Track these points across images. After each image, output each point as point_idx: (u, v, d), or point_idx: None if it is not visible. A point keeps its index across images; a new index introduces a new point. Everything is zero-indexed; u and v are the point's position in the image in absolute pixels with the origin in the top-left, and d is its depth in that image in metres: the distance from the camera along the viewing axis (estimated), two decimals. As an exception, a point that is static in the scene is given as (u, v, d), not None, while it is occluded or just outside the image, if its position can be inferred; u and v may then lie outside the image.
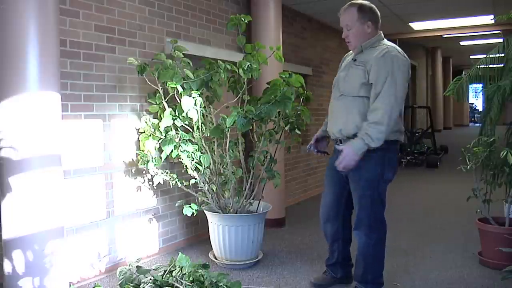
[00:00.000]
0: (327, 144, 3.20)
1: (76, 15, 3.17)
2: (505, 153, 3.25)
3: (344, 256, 3.10)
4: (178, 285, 2.61)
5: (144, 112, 3.68)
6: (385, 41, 2.84)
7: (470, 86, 4.34)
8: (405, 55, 2.78)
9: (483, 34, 8.91)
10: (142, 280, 2.66)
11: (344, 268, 3.12)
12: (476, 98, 24.98)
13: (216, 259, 3.66)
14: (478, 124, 15.05)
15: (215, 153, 3.60)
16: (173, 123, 3.44)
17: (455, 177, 6.33)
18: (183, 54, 3.56)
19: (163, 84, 3.47)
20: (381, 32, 2.88)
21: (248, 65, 3.47)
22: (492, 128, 3.65)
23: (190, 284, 2.61)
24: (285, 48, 4.86)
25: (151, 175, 3.63)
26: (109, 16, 3.41)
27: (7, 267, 2.42)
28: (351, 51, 2.97)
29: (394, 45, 2.81)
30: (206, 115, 3.57)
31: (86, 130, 3.28)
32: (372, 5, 2.85)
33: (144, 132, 3.56)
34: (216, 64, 3.48)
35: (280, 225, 4.76)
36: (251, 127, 3.50)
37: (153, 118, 3.61)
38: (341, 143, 2.87)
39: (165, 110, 3.47)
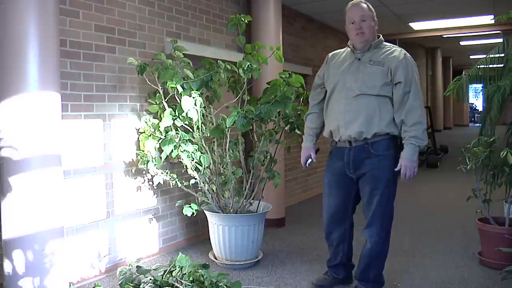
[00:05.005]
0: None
1: (76, 15, 3.17)
2: (505, 153, 3.25)
3: (348, 257, 3.12)
4: (178, 285, 2.61)
5: (144, 112, 3.68)
6: (385, 42, 2.90)
7: (470, 86, 4.34)
8: None
9: (483, 34, 8.90)
10: (142, 280, 2.66)
11: (346, 269, 3.13)
12: (476, 98, 24.98)
13: (216, 259, 3.66)
14: (478, 124, 15.02)
15: (215, 153, 3.60)
16: (173, 123, 3.44)
17: (455, 177, 6.33)
18: (183, 54, 3.56)
19: (163, 84, 3.46)
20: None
21: (248, 65, 3.47)
22: (492, 128, 3.65)
23: (190, 284, 2.61)
24: (285, 48, 4.86)
25: (151, 175, 3.63)
26: (109, 16, 3.41)
27: (7, 267, 2.42)
28: (336, 52, 3.04)
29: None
30: (206, 115, 3.57)
31: (86, 130, 3.27)
32: None
33: (144, 132, 3.56)
34: (216, 64, 3.48)
35: (280, 225, 4.76)
36: (251, 127, 3.50)
37: (153, 118, 3.60)
38: (350, 144, 2.82)
39: (165, 110, 3.47)
